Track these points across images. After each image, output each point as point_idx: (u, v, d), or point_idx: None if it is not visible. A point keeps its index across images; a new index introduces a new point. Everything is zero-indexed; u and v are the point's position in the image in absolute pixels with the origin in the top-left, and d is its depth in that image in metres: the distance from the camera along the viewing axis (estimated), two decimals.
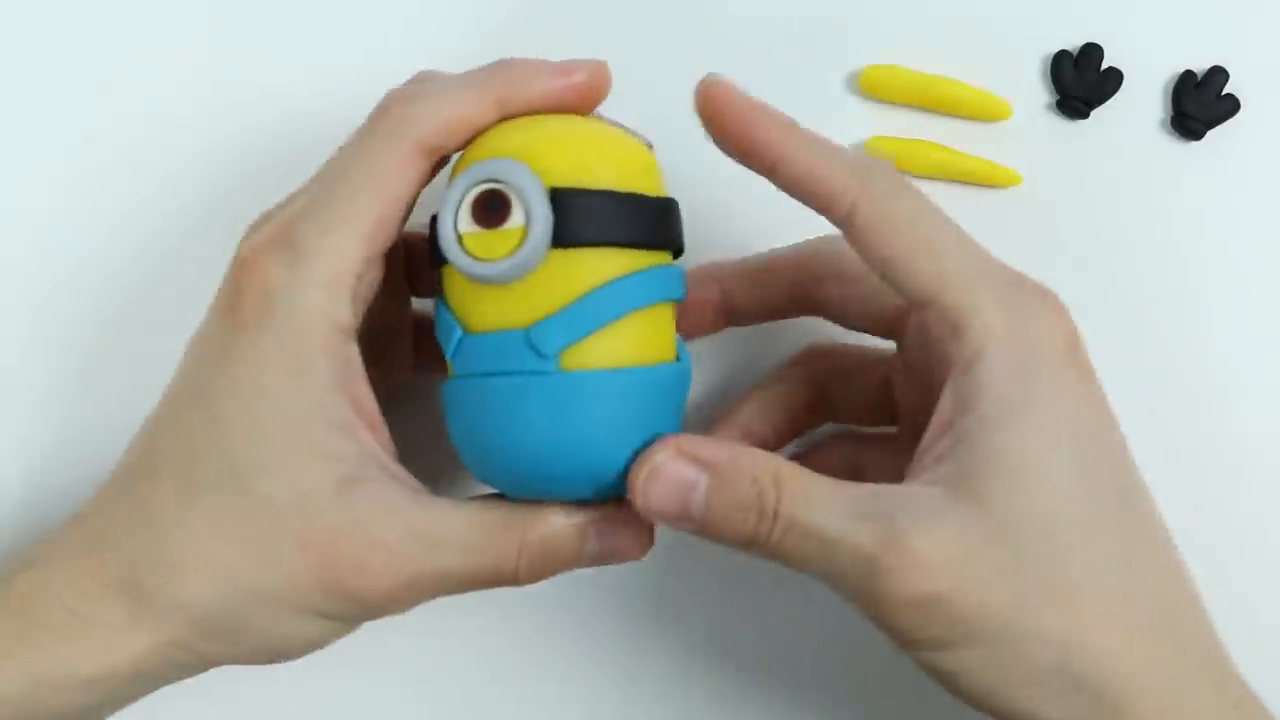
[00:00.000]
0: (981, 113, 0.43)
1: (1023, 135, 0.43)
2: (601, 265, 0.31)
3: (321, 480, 0.30)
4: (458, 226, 0.30)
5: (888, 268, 0.31)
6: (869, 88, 0.43)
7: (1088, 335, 0.42)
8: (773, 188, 0.32)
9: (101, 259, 0.41)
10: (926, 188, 0.43)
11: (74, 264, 0.41)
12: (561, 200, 0.30)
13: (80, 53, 0.42)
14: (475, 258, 0.30)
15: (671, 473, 0.30)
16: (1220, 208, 0.43)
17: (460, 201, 0.30)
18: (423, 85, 0.32)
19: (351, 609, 0.31)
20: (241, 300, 0.31)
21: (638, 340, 0.31)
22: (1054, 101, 0.43)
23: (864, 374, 0.37)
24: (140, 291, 0.41)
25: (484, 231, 0.30)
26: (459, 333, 0.31)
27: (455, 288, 0.32)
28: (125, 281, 0.41)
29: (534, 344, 0.30)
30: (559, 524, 0.32)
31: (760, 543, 0.30)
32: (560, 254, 0.30)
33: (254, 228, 0.33)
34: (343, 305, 0.31)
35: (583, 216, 0.30)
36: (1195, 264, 0.42)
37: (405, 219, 0.32)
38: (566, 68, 0.32)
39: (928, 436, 0.31)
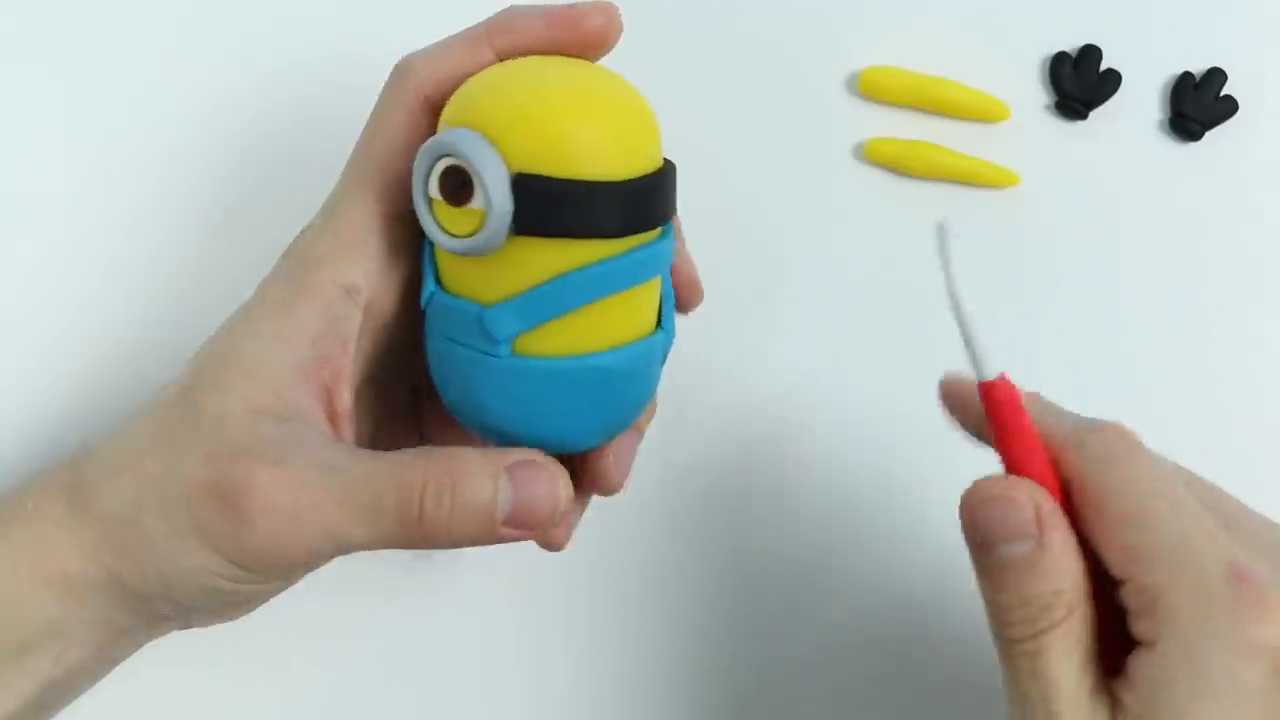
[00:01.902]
0: (980, 114, 0.43)
1: (1022, 136, 0.43)
2: (563, 256, 0.29)
3: (242, 404, 0.30)
4: (428, 191, 0.29)
5: (1093, 541, 0.29)
6: (869, 88, 0.43)
7: (1086, 336, 0.42)
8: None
9: (123, 256, 0.41)
10: (926, 188, 0.43)
11: (94, 260, 0.41)
12: (524, 188, 0.28)
13: (89, 47, 0.42)
14: (441, 227, 0.29)
15: None
16: (1219, 208, 0.43)
17: (430, 169, 0.29)
18: (435, 41, 0.32)
19: (242, 540, 0.29)
20: (293, 245, 0.32)
21: (599, 325, 0.30)
22: (1053, 103, 0.43)
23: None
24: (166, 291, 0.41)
25: (448, 205, 0.29)
26: (433, 285, 0.31)
27: None
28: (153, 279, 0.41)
29: (486, 328, 0.30)
30: (470, 456, 0.29)
31: None
32: (522, 241, 0.29)
33: None
34: (350, 262, 0.31)
35: (545, 208, 0.28)
36: (1194, 264, 0.43)
37: None
38: (570, 16, 0.31)
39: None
